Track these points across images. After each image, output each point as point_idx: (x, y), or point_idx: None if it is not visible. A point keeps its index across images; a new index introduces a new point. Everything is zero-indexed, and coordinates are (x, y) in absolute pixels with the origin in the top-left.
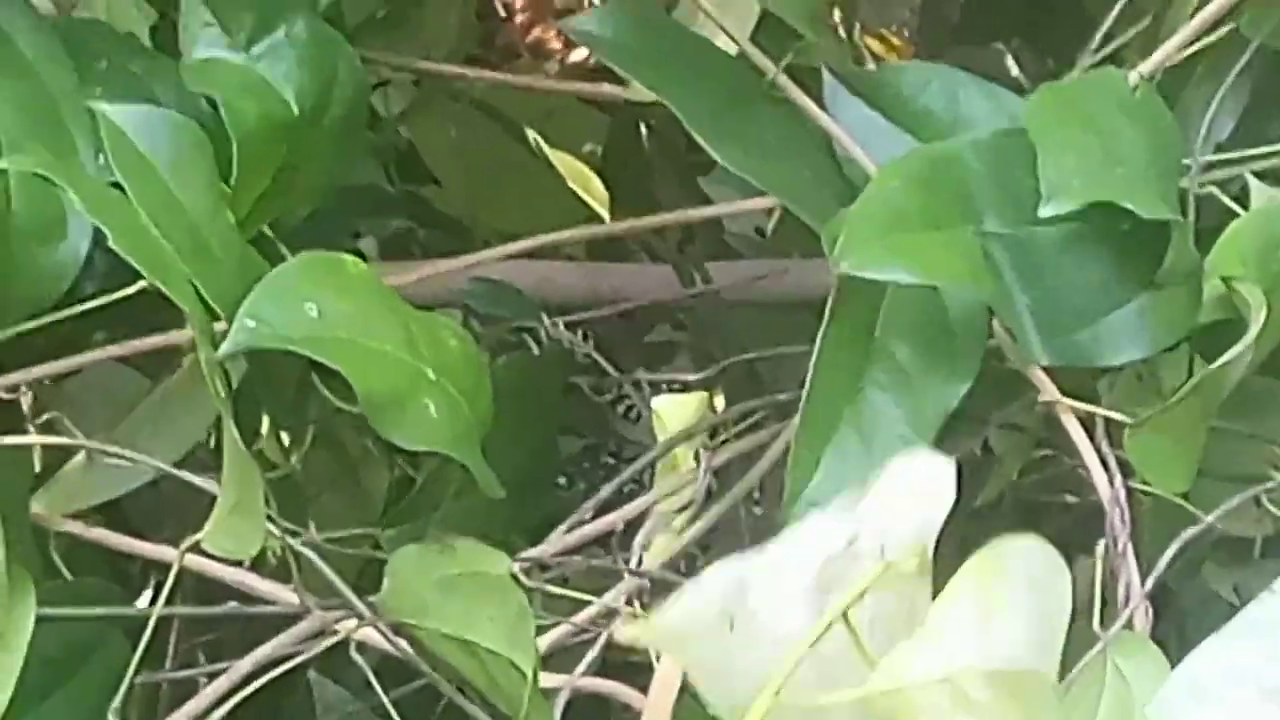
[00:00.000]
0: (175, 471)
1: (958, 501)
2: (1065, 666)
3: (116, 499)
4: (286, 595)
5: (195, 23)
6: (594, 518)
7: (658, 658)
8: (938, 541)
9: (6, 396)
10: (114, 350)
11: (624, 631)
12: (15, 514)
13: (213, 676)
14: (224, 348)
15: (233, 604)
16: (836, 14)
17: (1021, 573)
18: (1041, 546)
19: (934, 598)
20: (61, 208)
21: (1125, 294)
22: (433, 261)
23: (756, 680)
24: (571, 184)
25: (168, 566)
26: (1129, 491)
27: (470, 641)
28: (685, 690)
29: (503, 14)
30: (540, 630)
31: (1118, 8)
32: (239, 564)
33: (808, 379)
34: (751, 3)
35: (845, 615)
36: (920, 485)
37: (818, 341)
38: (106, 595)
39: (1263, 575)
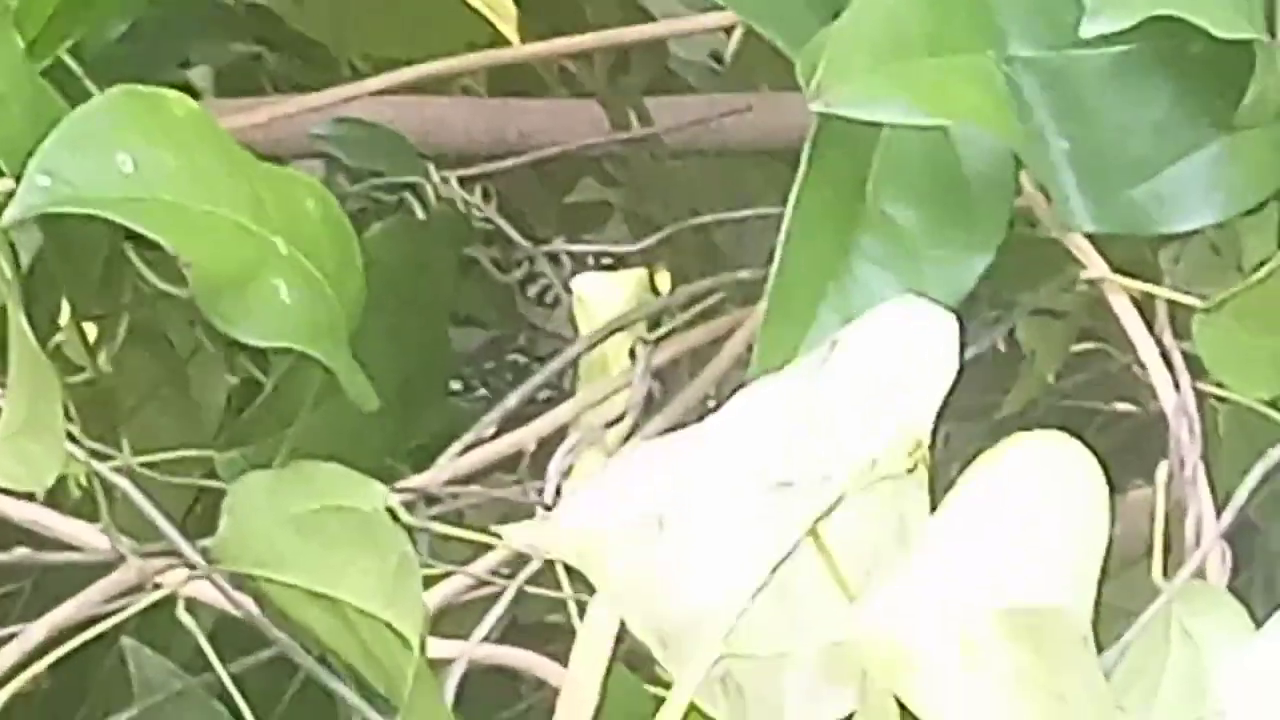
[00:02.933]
0: None
1: (976, 409)
2: (1119, 625)
3: None
4: (94, 538)
5: None
6: (497, 435)
7: (580, 612)
8: (940, 447)
9: None
10: None
11: (514, 536)
12: None
13: (1, 641)
14: (9, 213)
15: (22, 550)
16: None
17: (1046, 482)
18: (1073, 448)
19: (931, 511)
20: None
21: (1194, 139)
22: (285, 98)
23: (696, 609)
24: None
25: None
26: (1199, 397)
27: (335, 598)
28: (615, 659)
29: None
30: (428, 583)
31: None
32: (30, 498)
33: (778, 250)
34: None
35: (814, 529)
36: (912, 346)
37: (790, 201)
38: None
39: None
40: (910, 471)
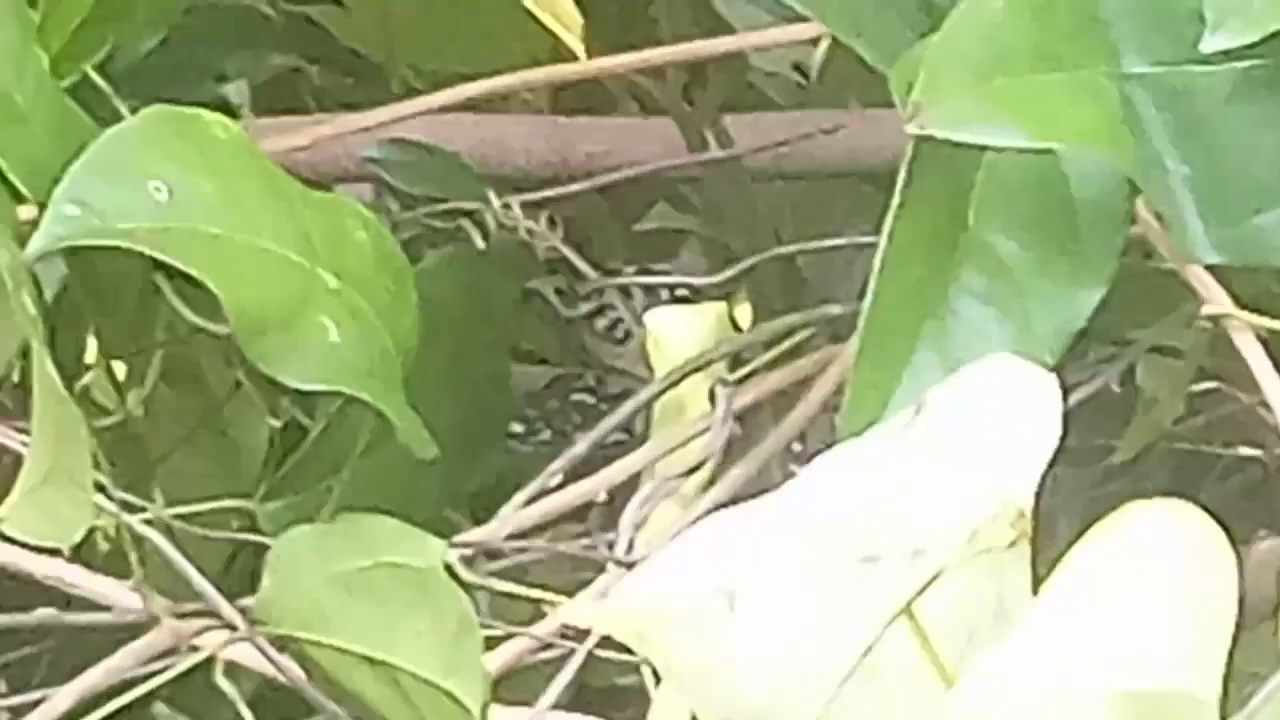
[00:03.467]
0: None
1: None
2: (1239, 694)
3: None
4: (124, 597)
5: None
6: (564, 484)
7: (656, 678)
8: (1045, 506)
9: None
10: None
11: (576, 613)
12: None
13: (19, 711)
14: (34, 244)
15: (48, 610)
16: None
17: (1167, 551)
18: (1195, 515)
19: (1037, 585)
20: None
21: None
22: (331, 116)
23: (773, 692)
24: (530, 3)
25: None
26: None
27: (388, 663)
28: None
29: None
30: (490, 646)
31: None
32: (56, 553)
33: (870, 283)
34: None
35: (907, 608)
36: (1012, 408)
37: (885, 230)
38: None
39: None
40: (1012, 545)
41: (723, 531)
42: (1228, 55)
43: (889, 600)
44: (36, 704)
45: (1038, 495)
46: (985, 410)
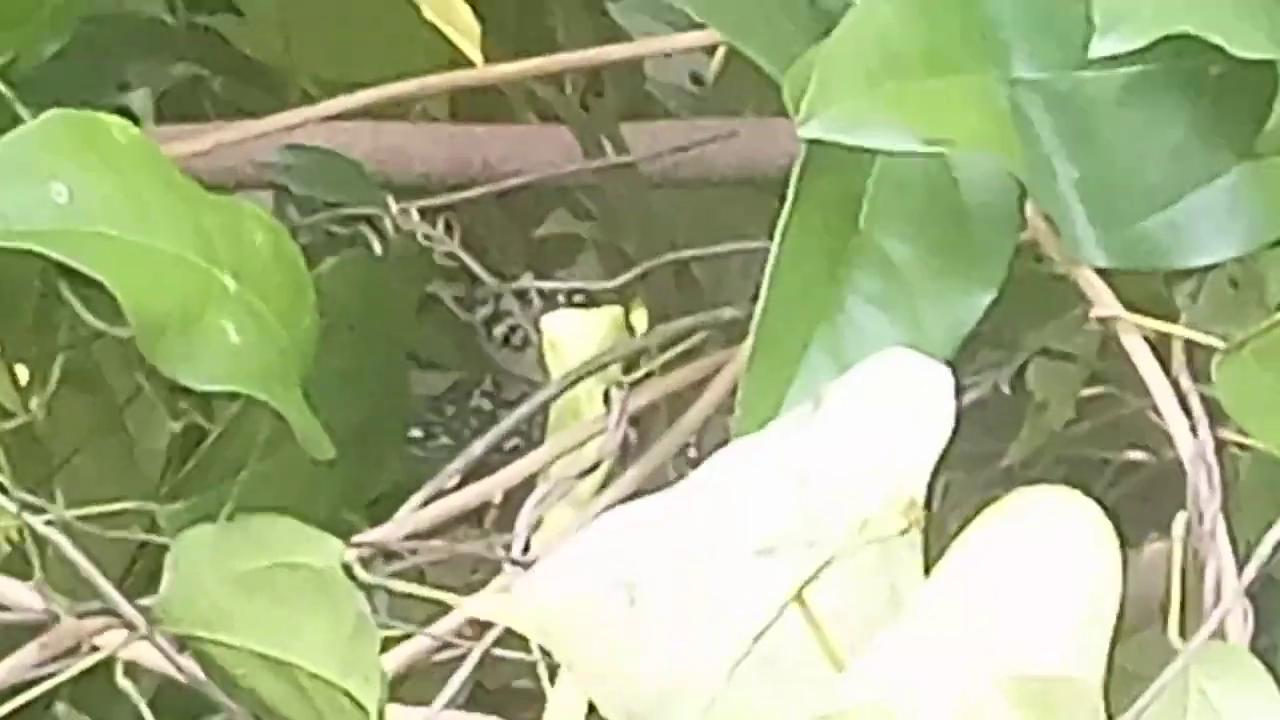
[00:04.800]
0: None
1: (978, 458)
2: (1134, 690)
3: None
4: (25, 596)
5: None
6: (461, 485)
7: (551, 679)
8: (937, 502)
9: None
10: None
11: (477, 608)
12: None
13: None
14: None
15: None
16: None
17: (1055, 536)
18: (1080, 503)
19: (926, 572)
20: None
21: (1212, 166)
22: (231, 123)
23: (672, 683)
24: (428, 11)
25: None
26: (1219, 445)
27: (287, 662)
28: None
29: None
30: (387, 646)
31: None
32: None
33: (763, 287)
34: None
35: (800, 596)
36: (905, 401)
37: (777, 234)
38: None
39: None
40: (904, 533)
41: (622, 526)
42: (1116, 60)
43: (783, 590)
44: None
45: (929, 493)
46: (880, 402)
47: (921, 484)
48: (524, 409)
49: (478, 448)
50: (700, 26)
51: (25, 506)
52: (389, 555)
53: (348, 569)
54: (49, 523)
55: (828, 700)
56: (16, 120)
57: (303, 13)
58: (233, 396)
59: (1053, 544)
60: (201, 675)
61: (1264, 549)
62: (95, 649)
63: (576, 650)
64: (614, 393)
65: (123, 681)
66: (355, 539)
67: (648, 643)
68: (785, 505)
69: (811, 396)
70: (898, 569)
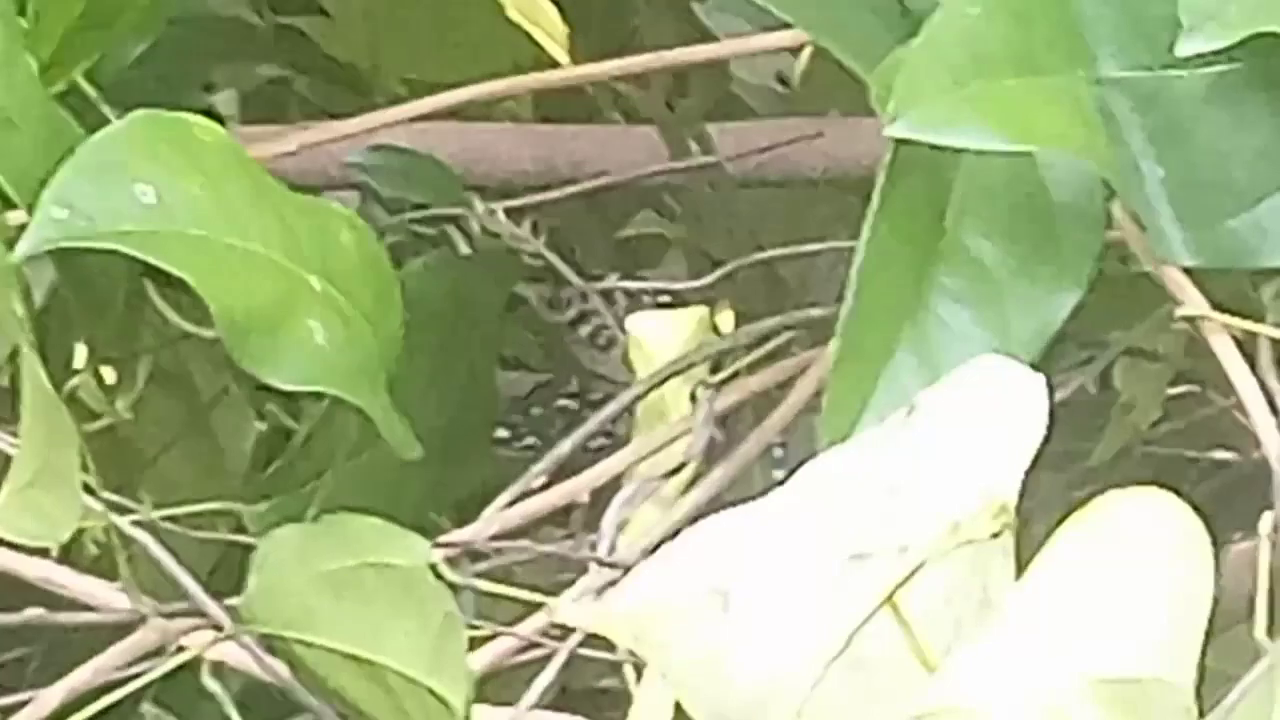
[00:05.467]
0: None
1: (1065, 457)
2: (1218, 690)
3: None
4: (112, 597)
5: None
6: (548, 485)
7: (638, 675)
8: (1027, 504)
9: None
10: None
11: (568, 614)
12: None
13: (9, 710)
14: (22, 247)
15: (36, 611)
16: None
17: (1143, 542)
18: (1172, 504)
19: (1018, 575)
20: None
21: None
22: (317, 124)
23: (764, 685)
24: (514, 12)
25: None
26: None
27: (373, 662)
28: None
29: None
30: (473, 645)
31: None
32: (44, 553)
33: (849, 286)
34: None
35: (891, 599)
36: (997, 408)
37: (863, 234)
38: None
39: None
40: (995, 536)
41: (716, 533)
42: (1202, 59)
43: (875, 594)
44: (25, 704)
45: (1019, 494)
46: (973, 410)
47: (1014, 489)
48: (610, 409)
49: (564, 448)
50: (786, 26)
51: (112, 507)
52: (475, 555)
53: (434, 569)
54: (136, 523)
55: (918, 702)
56: (103, 121)
57: (388, 13)
58: (319, 397)
59: (1144, 545)
60: (288, 675)
61: None
62: (181, 649)
63: (669, 655)
64: (700, 393)
65: (209, 682)
66: (441, 539)
67: (741, 647)
68: (878, 511)
69: (901, 400)
70: (989, 572)
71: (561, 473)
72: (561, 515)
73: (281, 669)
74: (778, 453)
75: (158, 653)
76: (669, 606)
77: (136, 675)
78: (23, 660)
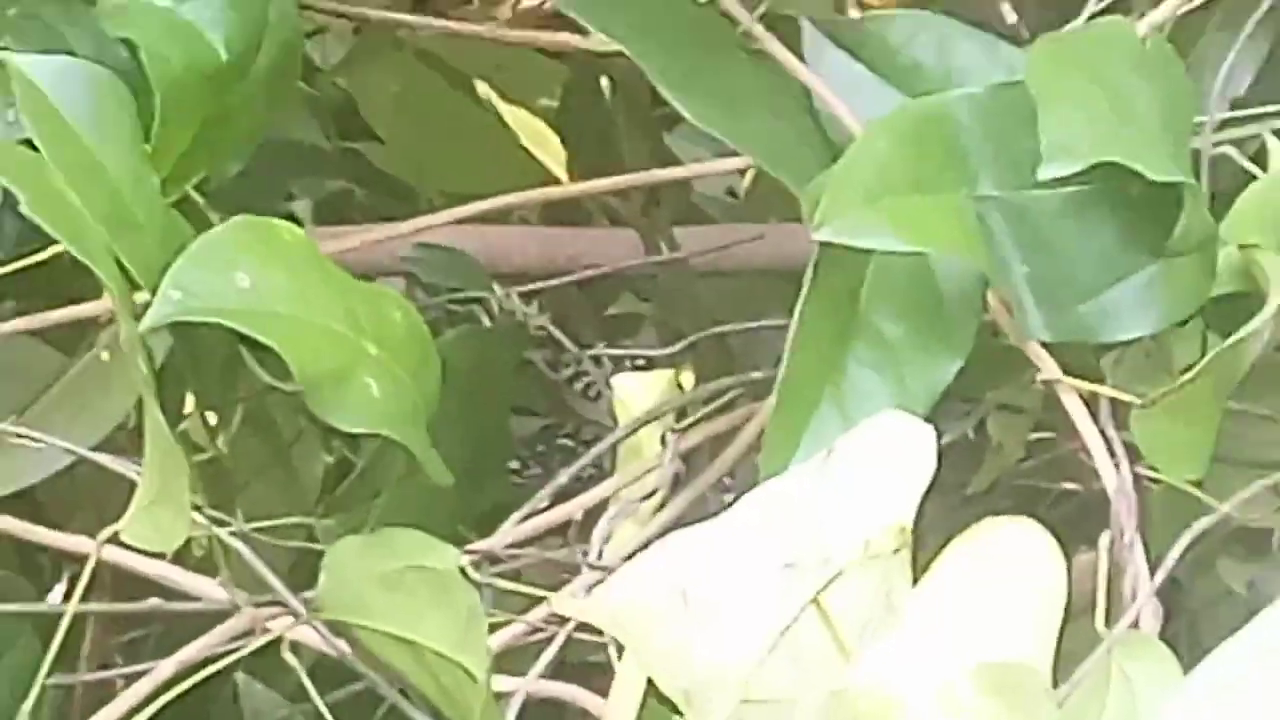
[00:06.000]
0: (92, 455)
1: (949, 488)
2: (1067, 669)
3: (28, 486)
4: (213, 590)
5: None
6: (550, 506)
7: (619, 655)
8: (920, 527)
9: None
10: (26, 323)
11: (575, 607)
12: None
13: (131, 679)
14: (146, 321)
15: (154, 600)
16: None
17: (1012, 558)
18: (1034, 530)
19: (915, 583)
20: None
21: (1133, 264)
22: (374, 226)
23: (716, 667)
24: (525, 141)
25: (83, 559)
26: (1136, 478)
27: (415, 642)
28: (647, 696)
29: None
30: (492, 629)
31: None
32: (161, 556)
33: (785, 355)
34: None
35: (817, 600)
36: (897, 451)
37: (796, 314)
38: (16, 590)
39: None
40: (896, 552)
41: (679, 546)
42: (1059, 181)
43: (803, 596)
44: (144, 673)
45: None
46: (879, 452)
47: (910, 514)
48: (598, 448)
49: (563, 477)
50: (735, 153)
51: (213, 521)
52: (493, 560)
53: (462, 571)
54: (231, 533)
55: (838, 683)
56: (208, 224)
57: (430, 141)
58: (374, 437)
59: (1013, 560)
60: (349, 652)
61: (1170, 559)
62: (266, 631)
63: (642, 640)
64: (668, 436)
65: (288, 657)
66: (467, 548)
67: (698, 635)
68: (805, 531)
69: (824, 443)
70: (893, 580)
71: (560, 497)
72: (561, 530)
73: (344, 647)
74: (728, 482)
75: (248, 634)
76: (642, 603)
77: (231, 652)
78: (143, 639)
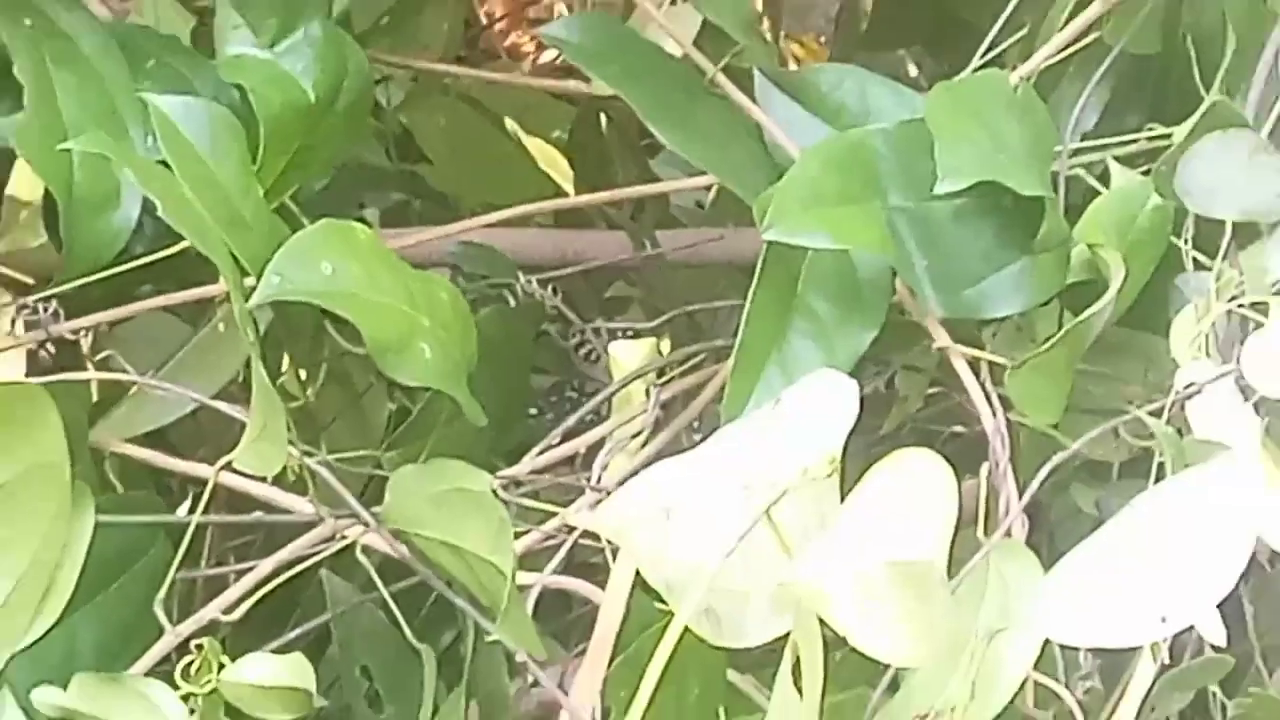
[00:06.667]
0: (211, 402)
1: (866, 429)
2: (956, 568)
3: (162, 426)
4: (303, 506)
5: (228, 25)
6: (560, 443)
7: (614, 556)
8: (845, 458)
9: (70, 338)
10: (160, 301)
11: (581, 519)
12: (77, 439)
13: (240, 574)
14: (253, 299)
15: (258, 513)
16: (765, 23)
17: (916, 482)
18: (933, 460)
19: (842, 501)
20: (117, 182)
21: (1007, 258)
22: (426, 229)
23: (691, 565)
24: (542, 164)
25: (204, 482)
26: (1008, 423)
27: (458, 546)
28: (636, 587)
29: (485, 21)
30: (516, 537)
31: (1001, 19)
32: (264, 480)
33: (740, 328)
34: (694, 13)
35: (767, 514)
36: (827, 401)
37: (749, 297)
38: (152, 506)
39: (1120, 494)
40: (828, 476)
41: (660, 473)
42: (950, 195)
43: (757, 510)
44: (250, 569)
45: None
46: (814, 402)
47: (839, 448)
48: (598, 398)
49: (570, 421)
50: (703, 173)
51: (303, 453)
52: (517, 484)
53: (494, 492)
54: (318, 462)
55: (782, 577)
56: (299, 225)
57: (469, 163)
58: (426, 389)
59: (917, 484)
60: (408, 554)
61: (1034, 484)
62: (344, 538)
63: (634, 545)
64: (651, 390)
65: (361, 557)
66: (498, 474)
67: (677, 540)
68: (758, 460)
69: (772, 395)
70: (825, 499)
71: (568, 435)
72: (569, 461)
73: (404, 550)
74: (697, 425)
75: (329, 540)
76: (633, 516)
77: (317, 553)
78: (250, 544)
